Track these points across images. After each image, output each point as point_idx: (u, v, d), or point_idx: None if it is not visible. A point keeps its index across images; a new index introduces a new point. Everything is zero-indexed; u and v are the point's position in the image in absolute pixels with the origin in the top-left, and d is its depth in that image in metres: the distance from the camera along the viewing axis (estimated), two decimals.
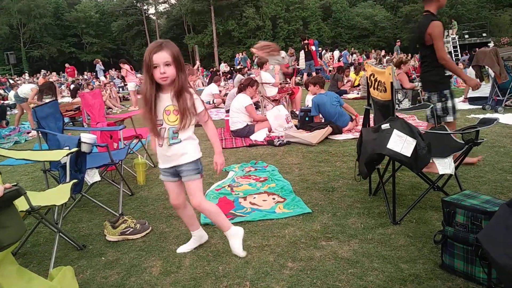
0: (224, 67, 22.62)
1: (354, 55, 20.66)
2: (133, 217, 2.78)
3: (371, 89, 3.04)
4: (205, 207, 2.22)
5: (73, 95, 11.46)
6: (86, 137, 2.82)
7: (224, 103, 9.10)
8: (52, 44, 41.03)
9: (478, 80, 3.39)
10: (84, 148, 2.81)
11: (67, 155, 2.68)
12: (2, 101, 12.41)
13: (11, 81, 19.41)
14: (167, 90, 2.03)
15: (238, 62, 21.60)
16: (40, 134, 3.94)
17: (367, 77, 3.17)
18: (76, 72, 21.28)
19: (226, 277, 2.05)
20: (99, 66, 17.42)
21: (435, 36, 3.29)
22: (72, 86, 13.80)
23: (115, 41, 44.97)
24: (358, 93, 10.06)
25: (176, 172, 2.17)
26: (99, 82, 15.05)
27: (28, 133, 7.46)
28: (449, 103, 3.43)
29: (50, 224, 2.41)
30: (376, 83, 2.93)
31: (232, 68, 20.43)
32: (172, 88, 1.99)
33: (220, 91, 10.66)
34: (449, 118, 3.45)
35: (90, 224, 2.92)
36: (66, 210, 2.91)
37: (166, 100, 2.03)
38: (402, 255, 2.15)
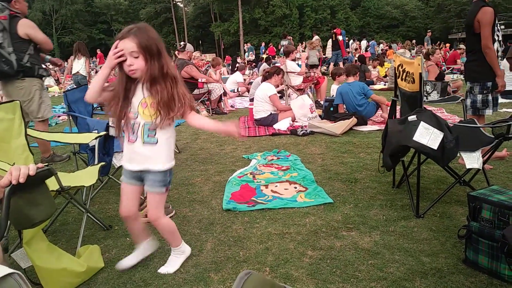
0: (249, 55, 22.56)
1: (382, 45, 20.11)
2: None
3: (399, 80, 2.98)
4: (163, 223, 1.99)
5: None
6: None
7: (248, 91, 9.10)
8: (82, 31, 42.02)
9: (506, 82, 3.27)
10: (112, 132, 2.89)
11: (95, 138, 2.77)
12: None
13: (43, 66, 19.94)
14: (141, 80, 1.76)
15: (262, 51, 21.56)
16: (70, 118, 4.07)
17: (394, 67, 3.11)
18: (104, 58, 21.72)
19: (246, 262, 2.08)
20: None
21: (484, 23, 3.18)
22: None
23: None
24: (385, 84, 9.84)
25: (140, 177, 1.89)
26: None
27: (58, 116, 7.71)
28: (490, 96, 3.33)
29: (79, 204, 2.50)
30: (404, 74, 2.87)
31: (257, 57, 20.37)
32: (147, 77, 1.73)
33: (244, 79, 10.67)
34: (488, 112, 3.36)
35: (116, 205, 3.02)
36: (94, 191, 3.01)
37: (140, 92, 1.77)
38: (424, 248, 2.13)
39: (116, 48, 1.66)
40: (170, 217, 2.72)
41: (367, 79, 10.01)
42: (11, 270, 0.84)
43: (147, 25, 1.75)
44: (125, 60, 1.69)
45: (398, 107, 3.20)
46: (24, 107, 3.78)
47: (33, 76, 3.94)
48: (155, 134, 1.76)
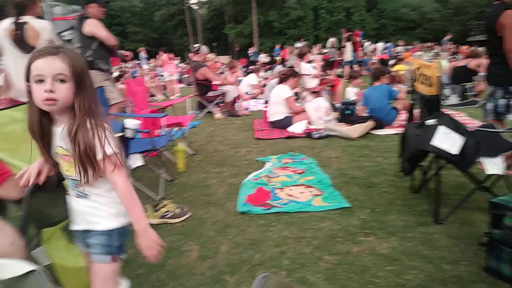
0: (263, 58, 22.58)
1: (399, 48, 19.73)
2: (173, 202, 2.87)
3: (416, 83, 2.94)
4: None
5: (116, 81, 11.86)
6: (130, 123, 2.91)
7: (263, 94, 9.09)
8: None
9: None
10: (128, 133, 2.91)
11: None
12: None
13: None
14: (60, 120, 1.24)
15: (277, 53, 21.55)
16: None
17: (412, 70, 3.06)
18: (118, 60, 22.02)
19: (261, 265, 2.07)
20: (142, 55, 17.87)
21: (507, 26, 3.11)
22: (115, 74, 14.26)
23: (157, 30, 45.99)
24: (403, 86, 9.71)
25: (86, 243, 1.37)
26: (142, 71, 15.45)
27: None
28: None
29: None
30: (422, 77, 2.82)
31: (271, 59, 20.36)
32: (67, 117, 1.22)
33: (259, 81, 10.66)
34: (510, 117, 3.28)
35: None
36: None
37: (56, 136, 1.26)
38: (444, 255, 2.08)
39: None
40: (186, 219, 2.73)
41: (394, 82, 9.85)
42: (34, 266, 0.85)
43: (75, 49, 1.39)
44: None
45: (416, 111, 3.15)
46: None
47: (93, 69, 4.19)
48: (83, 191, 1.30)
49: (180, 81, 15.11)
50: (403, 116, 5.30)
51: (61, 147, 1.24)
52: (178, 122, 4.35)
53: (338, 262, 2.06)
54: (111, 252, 1.32)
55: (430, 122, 2.45)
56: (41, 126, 1.24)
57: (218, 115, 7.08)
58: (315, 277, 1.94)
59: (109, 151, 1.20)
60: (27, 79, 1.18)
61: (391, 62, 13.09)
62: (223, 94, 7.05)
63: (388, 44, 19.74)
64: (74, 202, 1.33)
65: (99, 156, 1.20)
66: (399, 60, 12.50)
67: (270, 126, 5.74)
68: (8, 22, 3.32)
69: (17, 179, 1.57)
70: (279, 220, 2.62)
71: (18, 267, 0.85)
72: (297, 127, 5.37)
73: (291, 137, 5.13)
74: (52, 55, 1.15)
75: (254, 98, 9.65)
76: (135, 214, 1.26)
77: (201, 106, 7.34)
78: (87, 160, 1.19)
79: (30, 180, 1.27)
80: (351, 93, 6.34)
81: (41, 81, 1.14)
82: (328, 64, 11.95)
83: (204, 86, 7.05)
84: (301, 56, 7.20)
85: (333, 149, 4.38)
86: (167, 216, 2.71)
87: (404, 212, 2.64)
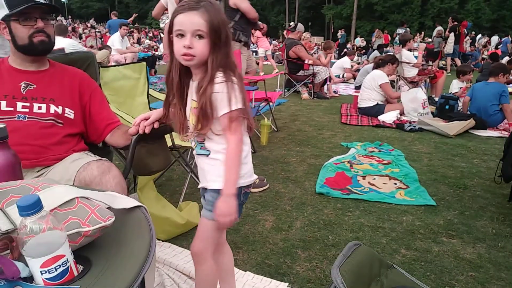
0: (360, 42, 21.69)
1: None
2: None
3: None
4: (204, 260, 1.36)
5: None
6: None
7: (354, 78, 8.80)
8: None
9: None
10: None
11: None
12: (154, 52, 14.02)
13: (162, 35, 21.76)
14: (196, 74, 1.25)
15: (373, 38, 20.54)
16: None
17: None
18: None
19: (334, 247, 2.07)
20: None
21: None
22: None
23: (255, 6, 46.27)
24: None
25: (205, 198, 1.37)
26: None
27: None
28: None
29: (185, 164, 2.72)
30: None
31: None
32: (201, 72, 1.21)
33: (352, 66, 10.31)
34: None
35: None
36: None
37: (191, 89, 1.28)
38: None
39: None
40: (263, 190, 2.81)
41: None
42: (139, 203, 0.95)
43: (217, 1, 1.32)
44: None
45: None
46: None
47: (233, 40, 4.49)
48: (205, 146, 1.29)
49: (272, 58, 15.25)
50: None
51: (193, 99, 1.25)
52: (267, 97, 4.43)
53: (415, 258, 1.97)
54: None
55: None
56: (180, 78, 1.28)
57: (305, 95, 7.03)
58: None
59: (233, 106, 1.17)
60: (170, 31, 1.21)
61: (505, 59, 11.72)
62: (314, 75, 6.96)
63: (505, 38, 17.57)
64: (199, 160, 1.32)
65: (224, 110, 1.17)
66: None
67: (359, 112, 5.56)
68: None
69: (124, 128, 1.75)
70: (357, 207, 2.57)
71: (127, 200, 0.96)
72: (388, 117, 5.12)
73: (380, 126, 4.93)
74: (193, 10, 1.15)
75: (344, 82, 9.39)
76: (229, 178, 1.22)
77: (289, 85, 7.35)
78: (205, 114, 1.18)
79: (139, 130, 1.39)
80: (456, 86, 5.83)
81: (181, 35, 1.17)
82: (431, 54, 11.06)
83: (295, 65, 7.02)
84: (403, 42, 6.77)
85: (425, 144, 4.12)
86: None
87: (498, 220, 2.41)
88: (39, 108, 1.58)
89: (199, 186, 1.36)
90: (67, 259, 0.76)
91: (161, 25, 5.62)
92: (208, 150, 1.27)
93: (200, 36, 1.15)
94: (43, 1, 1.56)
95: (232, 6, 4.38)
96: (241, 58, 4.58)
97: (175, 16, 1.17)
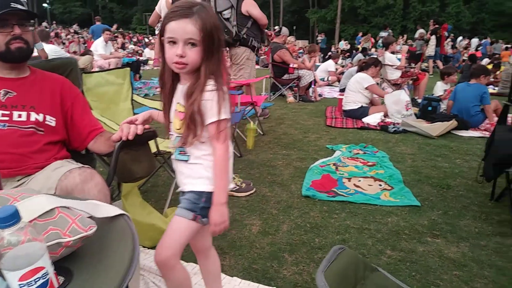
0: (344, 45, 21.93)
1: (496, 45, 17.78)
2: (240, 177, 2.95)
3: None
4: (173, 266, 1.29)
5: None
6: None
7: (339, 81, 8.88)
8: None
9: None
10: None
11: None
12: (138, 57, 13.91)
13: (147, 40, 21.65)
14: (185, 78, 1.23)
15: (359, 41, 20.81)
16: None
17: None
18: None
19: (321, 250, 2.07)
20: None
21: None
22: None
23: None
24: (494, 88, 8.88)
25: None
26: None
27: (156, 88, 8.31)
28: None
29: (170, 169, 2.69)
30: None
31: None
32: (192, 77, 1.20)
33: (336, 68, 10.41)
34: None
35: None
36: None
37: (178, 92, 1.26)
38: None
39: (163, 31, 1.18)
40: (250, 194, 2.80)
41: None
42: (123, 211, 0.94)
43: (210, 5, 1.26)
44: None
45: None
46: (234, 68, 4.91)
47: (246, 46, 4.76)
48: (185, 152, 1.27)
49: (256, 62, 15.27)
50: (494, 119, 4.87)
51: (179, 103, 1.24)
52: (253, 101, 4.43)
53: (401, 258, 2.00)
54: (194, 209, 1.26)
55: None
56: (172, 82, 1.27)
57: (290, 98, 7.06)
58: None
59: (222, 116, 1.16)
60: (162, 34, 1.18)
61: (485, 60, 12.01)
62: (299, 78, 7.01)
63: (484, 40, 17.97)
64: (178, 165, 1.30)
65: (212, 119, 1.16)
66: (496, 59, 11.39)
67: (344, 115, 5.61)
68: None
69: (107, 134, 1.73)
70: (343, 209, 2.59)
71: (110, 209, 0.95)
72: (372, 119, 5.18)
73: (365, 128, 4.98)
74: (185, 18, 1.11)
75: (329, 85, 9.47)
76: (219, 186, 1.22)
77: (274, 88, 7.38)
78: (193, 121, 1.17)
79: (122, 137, 1.37)
80: (440, 88, 5.92)
81: (173, 43, 1.14)
82: (414, 57, 11.25)
83: (280, 68, 7.06)
84: (386, 45, 6.87)
85: (409, 145, 4.18)
86: (234, 189, 2.81)
87: (480, 219, 2.46)
88: (19, 116, 1.55)
89: (179, 189, 1.33)
90: (47, 271, 0.74)
91: (156, 32, 5.75)
92: (187, 155, 1.26)
93: (193, 44, 1.13)
94: (20, 7, 1.53)
95: (244, 13, 4.56)
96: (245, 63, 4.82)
97: (167, 22, 1.13)
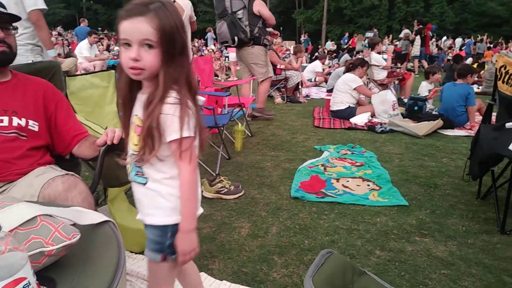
0: (330, 45, 22.07)
1: (480, 44, 17.98)
2: (228, 179, 2.94)
3: (500, 83, 2.71)
4: None
5: None
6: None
7: (326, 82, 8.93)
8: None
9: None
10: (200, 102, 3.01)
11: None
12: None
13: None
14: (147, 86, 1.08)
15: (345, 41, 20.98)
16: None
17: (496, 68, 2.83)
18: None
19: (310, 251, 2.07)
20: (211, 35, 18.16)
21: None
22: None
23: None
24: (478, 87, 9.02)
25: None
26: (208, 51, 15.78)
27: None
28: None
29: None
30: (507, 76, 2.60)
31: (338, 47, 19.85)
32: (152, 85, 1.04)
33: (323, 69, 10.46)
34: None
35: None
36: None
37: (138, 103, 1.10)
38: (508, 267, 1.94)
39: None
40: (239, 196, 2.79)
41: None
42: (108, 218, 0.92)
43: (172, 3, 1.05)
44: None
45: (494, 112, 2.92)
46: (250, 67, 5.13)
47: (260, 44, 4.97)
48: (143, 173, 1.10)
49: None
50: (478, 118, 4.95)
51: (137, 115, 1.08)
52: (241, 103, 4.42)
53: (390, 258, 2.00)
54: (162, 250, 1.11)
55: (510, 125, 2.26)
56: (130, 91, 1.11)
57: (278, 99, 7.07)
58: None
59: (185, 133, 1.01)
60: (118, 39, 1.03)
61: (469, 60, 12.20)
62: (286, 79, 7.02)
63: (468, 40, 18.28)
64: (135, 188, 1.14)
65: (172, 136, 1.01)
66: (479, 59, 11.58)
67: (331, 115, 5.63)
68: None
69: (92, 139, 1.70)
70: (332, 210, 2.59)
71: (95, 215, 0.93)
72: (360, 119, 5.21)
73: (352, 128, 5.01)
74: (139, 16, 0.96)
75: (316, 85, 9.51)
76: (186, 211, 1.07)
77: None
78: (150, 136, 1.01)
79: (107, 141, 1.34)
80: (425, 89, 5.98)
81: (128, 45, 0.99)
82: (399, 57, 11.38)
83: None
84: (372, 45, 6.93)
85: (396, 145, 4.21)
86: (222, 192, 2.79)
87: (467, 218, 2.49)
88: (1, 121, 1.51)
89: (137, 217, 1.16)
90: (28, 281, 0.72)
91: None
92: (145, 178, 1.09)
93: (150, 46, 0.98)
94: (2, 10, 1.50)
95: (256, 13, 4.77)
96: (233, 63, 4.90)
97: (119, 22, 0.99)
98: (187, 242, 1.07)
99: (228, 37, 4.83)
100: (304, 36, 23.56)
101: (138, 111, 1.08)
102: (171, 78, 1.01)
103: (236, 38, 4.78)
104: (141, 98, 1.08)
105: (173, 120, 1.00)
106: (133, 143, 1.09)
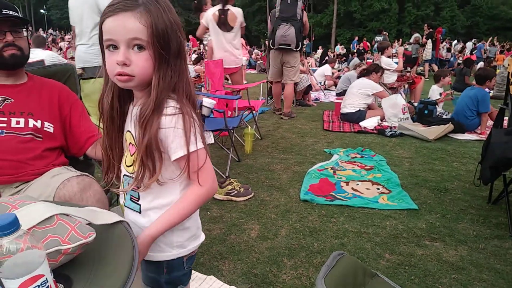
0: (340, 49, 22.01)
1: (491, 48, 17.76)
2: (238, 181, 2.95)
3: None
4: None
5: (195, 63, 12.34)
6: (207, 102, 3.03)
7: (335, 85, 8.91)
8: (181, 14, 44.48)
9: None
10: (204, 111, 3.03)
11: None
12: None
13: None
14: (139, 96, 0.92)
15: (355, 45, 20.90)
16: None
17: (508, 72, 2.81)
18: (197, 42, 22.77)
19: (320, 254, 2.07)
20: None
21: None
22: (194, 56, 14.82)
23: None
24: (490, 92, 8.91)
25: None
26: None
27: None
28: None
29: None
30: None
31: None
32: (145, 95, 0.89)
33: (333, 73, 10.45)
34: None
35: None
36: None
37: (130, 117, 0.94)
38: None
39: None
40: (249, 199, 2.80)
41: (466, 84, 9.15)
42: (122, 218, 0.94)
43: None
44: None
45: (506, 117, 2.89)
46: (287, 70, 5.54)
47: (300, 50, 5.54)
48: (138, 198, 0.96)
49: (253, 67, 15.32)
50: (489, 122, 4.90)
51: (129, 131, 0.92)
52: (250, 106, 4.44)
53: (399, 262, 2.00)
54: (158, 286, 1.02)
55: None
56: (114, 104, 0.93)
57: None
58: None
59: (192, 147, 0.87)
60: (101, 42, 0.85)
61: (480, 64, 12.08)
62: (295, 83, 7.01)
63: (479, 44, 18.08)
64: (129, 212, 1.00)
65: (178, 153, 0.87)
66: (490, 63, 11.47)
67: (341, 119, 5.62)
68: (214, 9, 4.56)
69: None
70: (342, 213, 2.59)
71: (109, 216, 0.95)
72: (369, 123, 5.20)
73: (362, 132, 4.99)
74: (126, 11, 0.80)
75: (326, 89, 9.49)
76: (165, 219, 0.92)
77: (271, 93, 7.38)
78: (150, 156, 0.86)
79: None
80: (436, 92, 5.93)
81: (114, 47, 0.83)
82: (409, 61, 11.31)
83: None
84: (381, 49, 6.90)
85: (406, 148, 4.19)
86: (232, 194, 2.81)
87: (478, 222, 2.47)
88: (17, 122, 1.54)
89: None
90: (46, 278, 0.74)
91: (204, 43, 6.63)
92: (139, 205, 0.95)
93: (140, 47, 0.82)
94: (12, 13, 1.53)
95: (304, 22, 5.27)
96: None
97: (103, 20, 0.82)
98: (144, 247, 0.93)
99: (294, 41, 5.21)
100: (306, 41, 23.45)
101: (130, 126, 0.91)
102: (167, 86, 0.85)
103: (300, 43, 5.28)
104: (133, 111, 0.91)
105: (177, 134, 0.85)
106: (126, 164, 0.94)
